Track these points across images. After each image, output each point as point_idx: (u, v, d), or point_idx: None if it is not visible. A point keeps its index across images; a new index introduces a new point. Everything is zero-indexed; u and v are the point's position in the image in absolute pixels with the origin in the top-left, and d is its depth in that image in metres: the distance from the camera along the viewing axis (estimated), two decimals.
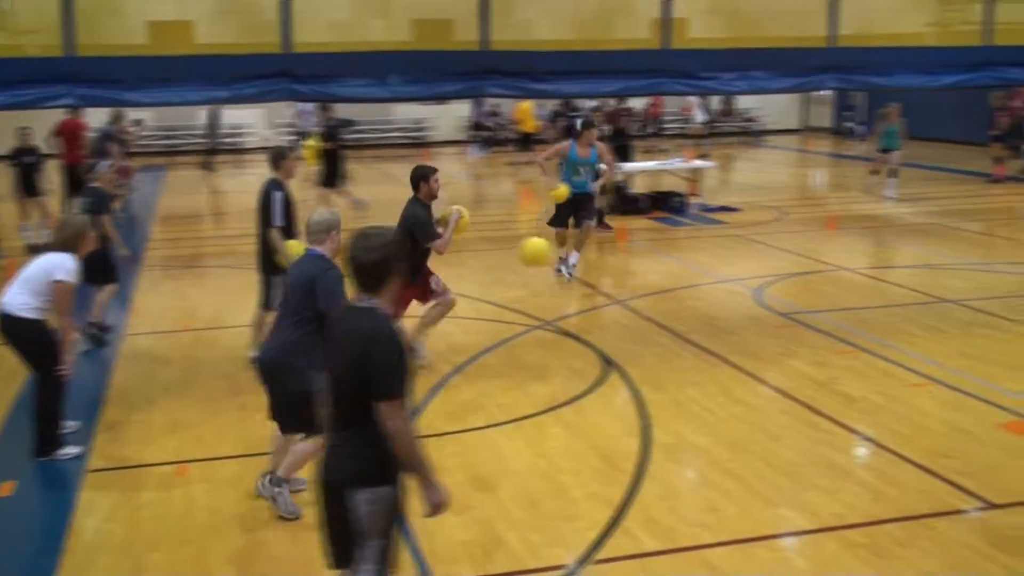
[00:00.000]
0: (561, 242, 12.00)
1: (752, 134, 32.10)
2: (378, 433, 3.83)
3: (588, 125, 12.38)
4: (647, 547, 5.46)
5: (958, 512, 5.82)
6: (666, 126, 30.80)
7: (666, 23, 13.80)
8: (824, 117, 33.47)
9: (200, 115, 25.43)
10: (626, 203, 16.69)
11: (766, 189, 20.38)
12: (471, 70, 11.31)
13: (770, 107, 32.22)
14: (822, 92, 24.78)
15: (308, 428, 5.59)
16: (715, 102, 31.92)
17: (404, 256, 4.10)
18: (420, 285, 8.38)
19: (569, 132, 15.95)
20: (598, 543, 5.50)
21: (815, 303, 10.86)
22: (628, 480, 6.30)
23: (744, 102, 32.66)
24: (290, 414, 5.76)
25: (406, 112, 30.60)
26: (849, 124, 31.10)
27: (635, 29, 14.56)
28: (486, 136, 28.70)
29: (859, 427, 7.22)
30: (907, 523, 5.68)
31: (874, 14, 16.31)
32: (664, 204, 17.01)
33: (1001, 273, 12.18)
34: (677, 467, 6.60)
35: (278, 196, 8.19)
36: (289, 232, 8.22)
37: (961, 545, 5.43)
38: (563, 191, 11.58)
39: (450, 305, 8.59)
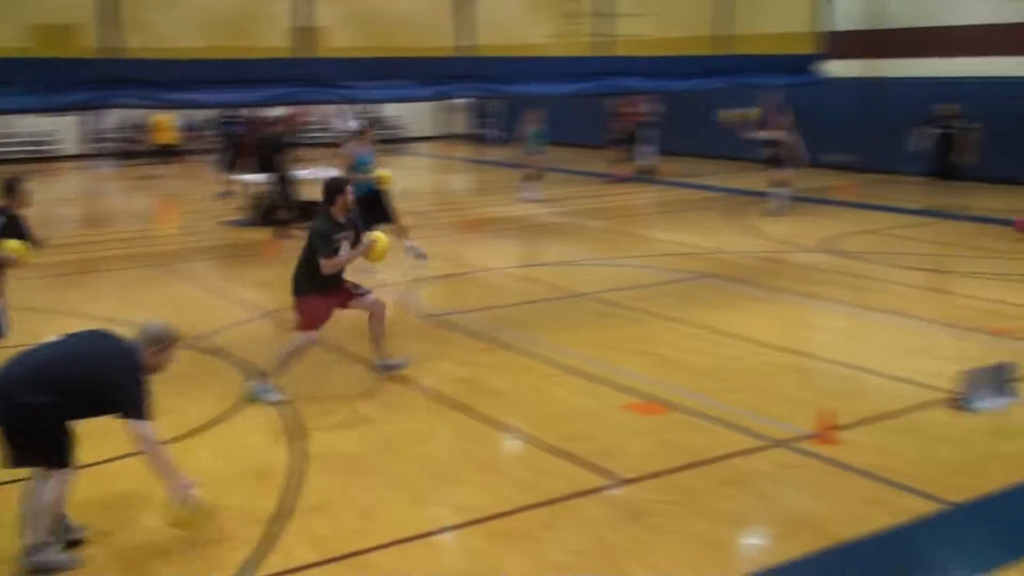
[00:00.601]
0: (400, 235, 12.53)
1: (396, 142, 32.70)
2: None
3: (371, 124, 13.18)
4: (303, 560, 5.42)
5: (595, 491, 6.26)
6: (314, 135, 30.64)
7: (305, 31, 13.73)
8: (462, 124, 34.70)
9: None
10: (269, 215, 16.43)
11: (411, 195, 20.81)
12: (95, 79, 10.67)
13: (411, 115, 32.95)
14: (458, 100, 25.72)
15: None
16: (357, 111, 32.17)
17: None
18: (339, 295, 8.23)
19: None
20: (252, 563, 5.39)
21: (461, 304, 11.26)
22: (280, 495, 6.23)
23: (387, 110, 33.20)
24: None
25: (33, 124, 28.31)
26: (486, 130, 32.46)
27: (274, 37, 14.35)
28: (119, 149, 27.20)
29: (504, 420, 7.57)
30: (551, 506, 6.03)
31: (503, 26, 17.13)
32: (315, 213, 16.88)
33: (623, 267, 13.22)
34: (331, 476, 6.60)
35: None
36: None
37: (599, 522, 5.84)
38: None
39: (381, 306, 8.46)
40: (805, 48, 19.75)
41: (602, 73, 17.72)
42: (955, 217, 16.30)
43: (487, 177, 24.44)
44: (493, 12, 17.10)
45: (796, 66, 19.77)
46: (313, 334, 8.17)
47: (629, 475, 6.44)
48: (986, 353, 8.57)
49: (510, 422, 7.55)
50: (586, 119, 25.27)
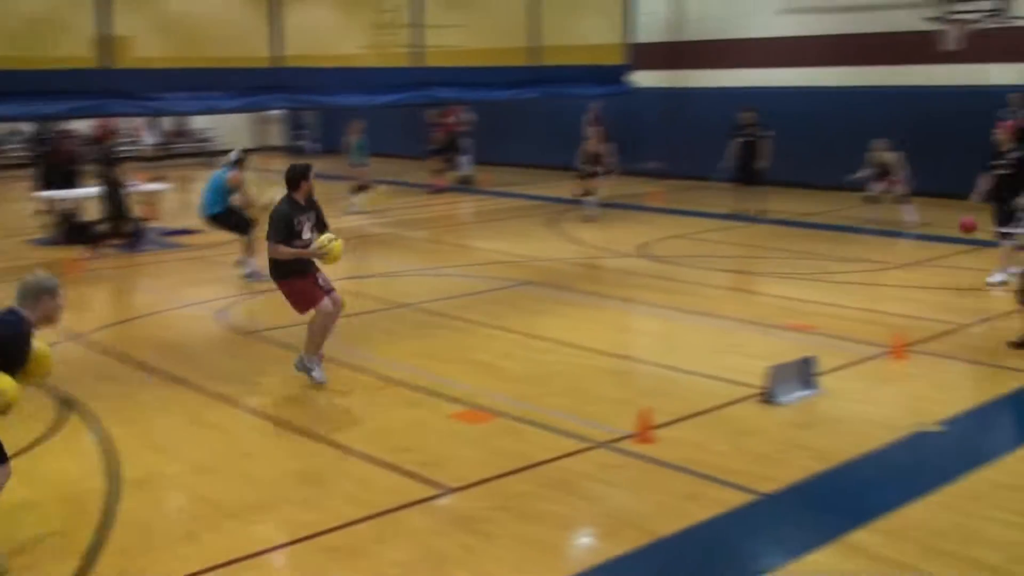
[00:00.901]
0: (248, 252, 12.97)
1: (208, 154, 31.82)
2: None
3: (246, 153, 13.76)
4: None
5: (423, 501, 6.28)
6: (116, 148, 29.46)
7: (107, 41, 13.22)
8: (277, 136, 34.08)
9: None
10: (77, 232, 15.75)
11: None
12: None
13: (223, 127, 32.11)
14: (272, 111, 25.26)
15: None
16: (167, 123, 31.22)
17: None
18: (313, 277, 8.51)
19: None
20: None
21: (284, 319, 11.06)
22: (97, 524, 5.98)
23: (198, 122, 32.28)
24: None
25: None
26: (301, 142, 31.99)
27: (74, 47, 13.78)
28: None
29: (330, 435, 7.49)
30: (379, 519, 6.01)
31: (315, 36, 16.95)
32: (120, 230, 16.29)
33: (446, 276, 13.31)
34: (150, 501, 6.38)
35: None
36: None
37: (428, 532, 5.86)
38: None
39: (339, 306, 8.59)
40: (615, 59, 20.42)
41: (418, 84, 17.81)
42: (757, 220, 17.14)
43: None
44: (306, 22, 16.93)
45: (607, 77, 20.42)
46: (321, 304, 8.34)
47: (457, 484, 6.49)
48: (789, 349, 9.06)
49: (336, 437, 7.48)
50: (408, 130, 25.27)
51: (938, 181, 17.97)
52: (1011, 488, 6.29)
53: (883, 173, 16.23)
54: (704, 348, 9.63)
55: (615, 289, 12.20)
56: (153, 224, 16.92)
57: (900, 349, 9.07)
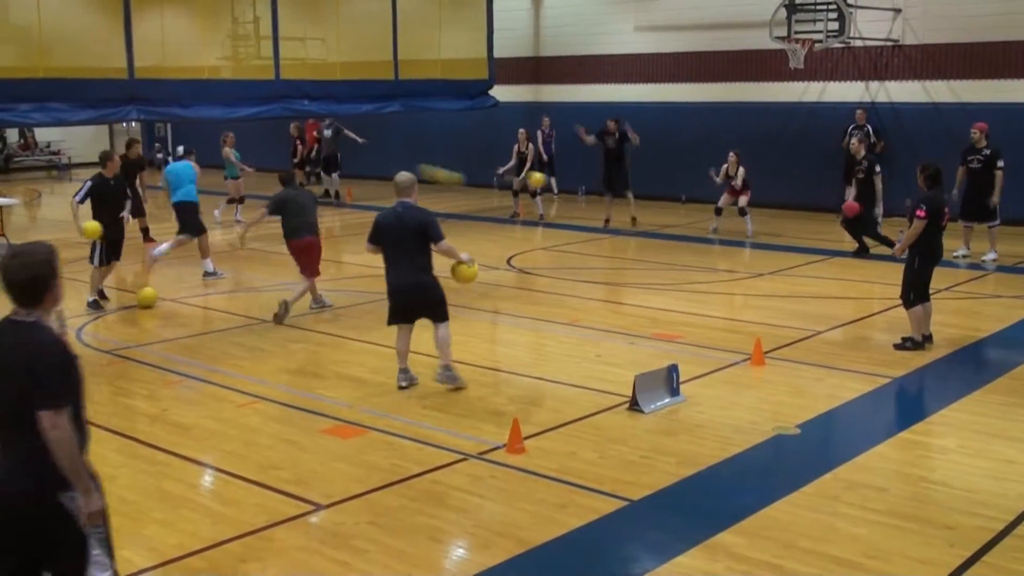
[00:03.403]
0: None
1: (58, 168, 30.65)
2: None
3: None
4: None
5: (292, 519, 6.18)
6: None
7: None
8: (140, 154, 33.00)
9: None
10: None
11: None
12: None
13: (74, 139, 30.93)
14: (127, 123, 24.49)
15: None
16: (12, 135, 29.95)
17: (55, 273, 4.11)
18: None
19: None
20: None
21: (140, 336, 10.75)
22: None
23: (46, 134, 31.01)
24: None
25: None
26: (160, 155, 31.11)
27: None
28: None
29: (194, 454, 7.30)
30: (247, 539, 5.89)
31: (169, 47, 16.55)
32: None
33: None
34: None
35: None
36: None
37: (297, 549, 5.78)
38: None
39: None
40: (479, 74, 20.60)
41: (278, 96, 17.59)
42: (620, 232, 17.50)
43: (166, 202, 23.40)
44: (162, 33, 16.51)
45: (471, 91, 20.58)
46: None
47: (328, 500, 6.42)
48: (654, 358, 9.28)
49: (200, 455, 7.29)
50: (270, 143, 24.81)
51: (787, 194, 18.75)
52: (863, 486, 6.58)
53: (732, 185, 16.83)
54: (572, 358, 9.77)
55: (483, 301, 12.26)
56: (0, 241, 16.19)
57: (759, 356, 9.39)
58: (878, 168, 14.61)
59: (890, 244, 13.30)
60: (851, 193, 14.98)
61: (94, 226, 11.61)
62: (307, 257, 11.46)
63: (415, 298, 8.51)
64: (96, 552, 4.19)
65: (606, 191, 18.27)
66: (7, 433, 4.06)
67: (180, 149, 14.65)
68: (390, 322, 8.73)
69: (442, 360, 8.62)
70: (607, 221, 17.98)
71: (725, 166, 16.81)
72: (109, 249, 11.94)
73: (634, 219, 18.08)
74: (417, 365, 8.93)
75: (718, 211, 17.18)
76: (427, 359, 9.07)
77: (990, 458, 7.09)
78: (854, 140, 15.74)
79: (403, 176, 8.53)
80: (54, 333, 4.12)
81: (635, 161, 18.43)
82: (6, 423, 4.04)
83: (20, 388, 3.94)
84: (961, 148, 14.64)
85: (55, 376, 3.98)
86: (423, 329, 8.81)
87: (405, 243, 8.38)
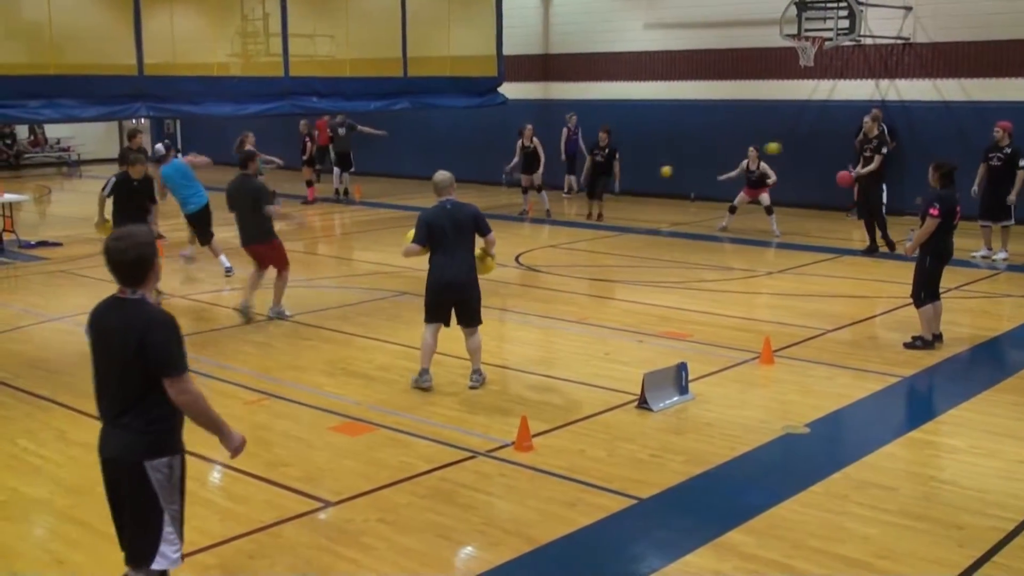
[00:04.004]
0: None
1: (68, 164, 30.73)
2: (162, 410, 4.37)
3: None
4: None
5: (301, 516, 6.19)
6: None
7: None
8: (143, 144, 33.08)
9: None
10: None
11: (89, 221, 19.62)
12: None
13: (84, 136, 31.03)
14: (136, 120, 24.51)
15: None
16: (22, 132, 30.04)
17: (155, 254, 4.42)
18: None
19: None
20: None
21: None
22: None
23: (56, 131, 31.10)
24: None
25: None
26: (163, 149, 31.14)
27: None
28: None
29: (202, 451, 7.26)
30: (256, 535, 5.90)
31: (178, 44, 16.56)
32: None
33: (322, 288, 13.15)
34: (14, 525, 6.12)
35: None
36: None
37: (306, 546, 5.78)
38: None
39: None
40: (488, 71, 20.58)
41: (287, 93, 17.59)
42: (628, 230, 17.48)
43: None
44: (171, 30, 16.53)
45: (480, 88, 20.56)
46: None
47: (337, 497, 6.42)
48: (663, 356, 9.26)
49: (210, 453, 7.27)
50: (281, 140, 24.81)
51: (797, 192, 18.69)
52: (873, 486, 6.56)
53: (751, 181, 16.74)
54: (580, 356, 9.76)
55: (492, 299, 12.21)
56: (9, 236, 16.25)
57: (768, 355, 9.37)
58: (885, 149, 14.75)
59: (891, 247, 13.34)
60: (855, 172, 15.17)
61: (106, 225, 11.62)
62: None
63: (462, 296, 8.48)
64: (168, 529, 4.50)
65: (590, 198, 18.89)
66: (110, 404, 4.44)
67: (160, 147, 14.13)
68: (428, 319, 8.63)
69: (474, 364, 8.66)
70: (598, 217, 18.52)
71: (745, 161, 16.72)
72: None
73: (600, 215, 18.65)
74: (444, 365, 8.89)
75: (732, 209, 17.12)
76: (436, 356, 9.05)
77: (1000, 458, 7.06)
78: (867, 118, 15.74)
79: (443, 175, 8.47)
80: (160, 308, 4.45)
81: (644, 159, 18.41)
82: (109, 394, 4.44)
83: (126, 362, 4.30)
84: (973, 147, 14.62)
85: (172, 346, 4.35)
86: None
87: (458, 239, 8.38)
